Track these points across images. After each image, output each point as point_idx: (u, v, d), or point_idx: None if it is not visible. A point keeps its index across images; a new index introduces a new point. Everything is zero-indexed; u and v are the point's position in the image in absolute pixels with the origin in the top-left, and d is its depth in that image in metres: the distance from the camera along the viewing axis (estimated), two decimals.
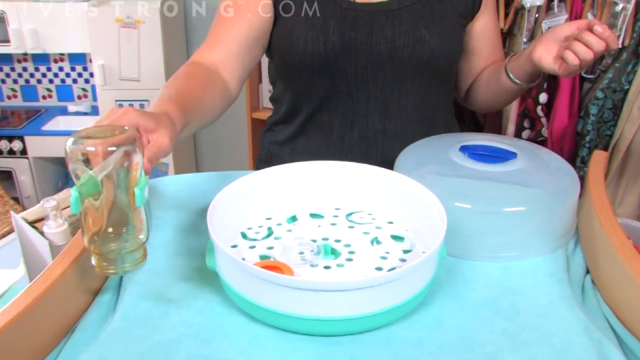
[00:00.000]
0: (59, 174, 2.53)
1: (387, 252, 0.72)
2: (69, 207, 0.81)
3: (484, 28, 1.05)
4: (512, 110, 1.72)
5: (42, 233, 0.75)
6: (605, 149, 1.63)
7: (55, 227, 0.75)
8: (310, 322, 0.59)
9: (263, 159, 1.13)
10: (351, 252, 0.72)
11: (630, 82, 1.55)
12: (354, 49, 0.95)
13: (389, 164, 0.82)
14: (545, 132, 1.67)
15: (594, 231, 0.73)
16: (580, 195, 0.82)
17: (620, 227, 0.68)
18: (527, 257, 0.76)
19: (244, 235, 0.76)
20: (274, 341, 0.61)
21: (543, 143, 1.68)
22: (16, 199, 2.34)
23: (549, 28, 1.02)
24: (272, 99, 1.13)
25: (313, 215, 0.80)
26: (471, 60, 1.08)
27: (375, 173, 0.80)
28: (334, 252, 0.71)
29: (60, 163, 2.53)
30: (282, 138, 1.09)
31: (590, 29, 0.83)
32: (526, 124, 1.72)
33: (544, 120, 1.66)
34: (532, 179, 0.80)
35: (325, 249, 0.71)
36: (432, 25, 0.96)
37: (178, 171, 2.32)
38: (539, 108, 1.65)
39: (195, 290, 0.69)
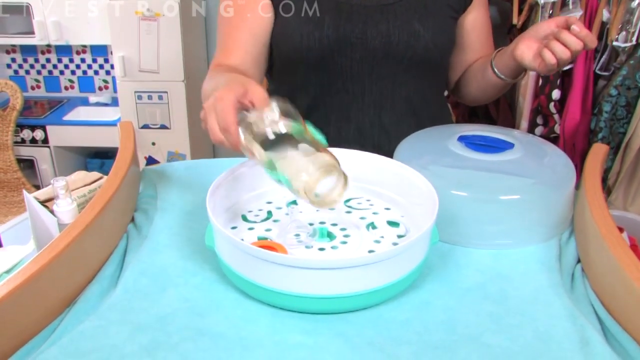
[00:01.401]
0: (79, 162, 2.59)
1: (382, 237, 0.74)
2: (78, 188, 0.84)
3: (474, 22, 1.06)
4: (525, 107, 1.72)
5: (52, 212, 0.79)
6: (618, 146, 1.62)
7: (64, 206, 0.78)
8: (299, 299, 0.61)
9: None
10: (346, 236, 0.74)
11: None
12: (349, 44, 0.97)
13: (384, 155, 0.83)
14: (557, 128, 1.67)
15: (585, 221, 0.74)
16: (580, 187, 0.83)
17: (610, 217, 0.69)
18: (520, 246, 0.77)
19: (244, 218, 0.78)
20: (265, 317, 0.63)
21: (556, 140, 1.68)
22: (37, 187, 2.40)
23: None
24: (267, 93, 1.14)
25: None
26: (461, 53, 1.09)
27: (375, 160, 0.82)
28: (330, 235, 0.74)
29: (80, 152, 2.60)
30: None
31: (568, 28, 0.84)
32: (539, 120, 1.72)
33: (556, 117, 1.66)
34: (528, 169, 0.82)
35: (320, 231, 0.73)
36: (425, 20, 0.97)
37: None
38: (551, 104, 1.65)
39: (194, 268, 0.72)
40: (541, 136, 1.69)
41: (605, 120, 1.61)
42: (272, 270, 0.61)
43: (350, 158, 0.83)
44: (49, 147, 2.41)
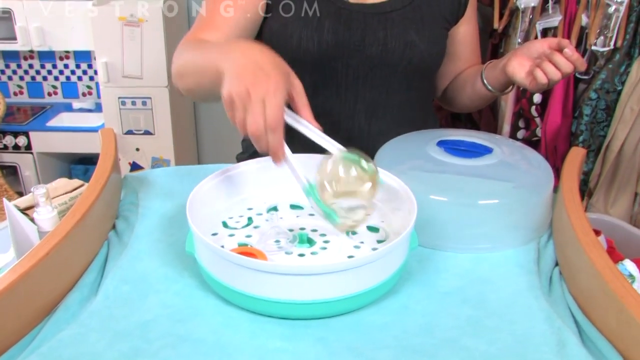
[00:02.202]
0: (62, 169, 2.57)
1: (362, 242, 0.74)
2: (59, 195, 0.84)
3: (465, 33, 1.09)
4: (508, 110, 1.74)
5: (32, 219, 0.78)
6: (599, 149, 1.64)
7: (44, 214, 0.78)
8: (279, 305, 0.62)
9: (245, 157, 1.12)
10: (326, 242, 0.74)
11: (623, 83, 1.56)
12: (347, 50, 0.97)
13: None
14: (539, 132, 1.68)
15: (563, 224, 0.75)
16: (558, 191, 0.84)
17: (586, 219, 0.70)
18: (499, 249, 0.78)
19: (224, 224, 0.79)
20: (245, 322, 0.63)
21: (537, 143, 1.69)
22: (20, 194, 2.38)
23: (524, 43, 1.07)
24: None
25: (293, 207, 0.83)
26: (450, 62, 1.11)
27: None
28: (310, 241, 0.74)
29: (64, 158, 2.58)
30: None
31: (560, 50, 0.87)
32: (521, 123, 1.74)
33: (538, 120, 1.68)
34: (507, 173, 0.83)
35: (300, 237, 0.74)
36: (421, 30, 0.99)
37: None
38: (533, 108, 1.67)
39: (174, 275, 0.72)
40: (523, 139, 1.71)
41: (585, 124, 1.63)
42: (252, 276, 0.61)
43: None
44: (32, 153, 2.39)
